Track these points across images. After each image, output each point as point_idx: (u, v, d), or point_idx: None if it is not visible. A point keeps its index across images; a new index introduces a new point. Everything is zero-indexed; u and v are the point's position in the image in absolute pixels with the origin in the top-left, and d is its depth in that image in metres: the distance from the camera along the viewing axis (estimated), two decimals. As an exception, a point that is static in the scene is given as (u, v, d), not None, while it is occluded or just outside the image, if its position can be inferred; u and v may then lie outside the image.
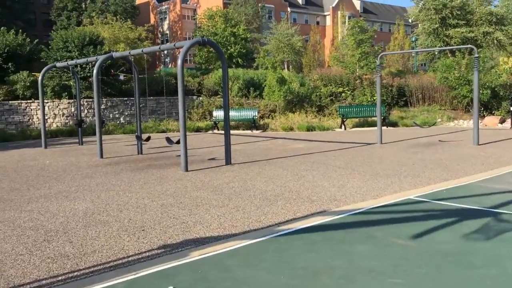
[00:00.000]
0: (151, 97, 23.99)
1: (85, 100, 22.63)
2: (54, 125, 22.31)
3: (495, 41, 31.56)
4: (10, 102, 21.69)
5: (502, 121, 22.71)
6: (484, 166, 10.32)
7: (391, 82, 26.83)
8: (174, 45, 11.85)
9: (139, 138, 13.94)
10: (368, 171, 9.84)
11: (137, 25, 40.52)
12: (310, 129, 21.27)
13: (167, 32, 55.11)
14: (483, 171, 9.65)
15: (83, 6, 48.73)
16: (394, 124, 22.84)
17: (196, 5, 54.66)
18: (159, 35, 55.28)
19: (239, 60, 33.93)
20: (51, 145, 17.39)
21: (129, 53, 13.64)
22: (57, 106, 22.56)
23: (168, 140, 12.26)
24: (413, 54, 36.32)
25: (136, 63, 15.42)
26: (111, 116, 23.49)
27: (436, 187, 8.15)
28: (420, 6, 33.17)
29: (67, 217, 6.71)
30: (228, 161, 11.37)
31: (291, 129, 21.59)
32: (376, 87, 24.06)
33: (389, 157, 12.04)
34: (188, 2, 55.94)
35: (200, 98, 25.23)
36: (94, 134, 14.61)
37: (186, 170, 10.42)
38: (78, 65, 21.21)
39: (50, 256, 5.05)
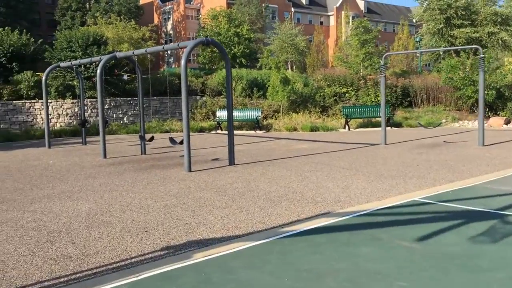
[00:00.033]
0: (155, 97, 23.99)
1: (88, 100, 22.65)
2: (58, 125, 22.34)
3: (500, 41, 31.40)
4: (14, 102, 21.74)
5: (507, 122, 22.58)
6: (489, 167, 10.23)
7: (395, 82, 26.73)
8: (178, 45, 11.82)
9: (142, 138, 13.92)
10: (373, 172, 9.78)
11: (140, 25, 40.58)
12: (313, 129, 21.21)
13: (171, 32, 55.15)
14: (488, 172, 9.56)
15: (87, 6, 48.84)
16: (398, 125, 22.75)
17: (200, 5, 54.68)
18: (163, 35, 55.33)
19: (243, 60, 33.88)
20: (55, 145, 17.41)
21: (133, 53, 13.63)
22: (61, 106, 22.60)
23: (172, 140, 12.24)
24: (417, 55, 36.17)
25: (139, 63, 15.42)
26: (114, 116, 23.50)
27: (441, 188, 8.08)
28: (424, 6, 33.05)
29: (70, 217, 6.69)
30: (231, 161, 11.33)
31: (295, 129, 21.53)
32: (380, 87, 24.06)
33: (394, 158, 11.96)
34: (191, 2, 55.97)
35: (204, 98, 25.21)
36: (98, 134, 14.62)
37: (190, 170, 10.39)
38: (82, 65, 21.21)
39: (52, 257, 5.02)
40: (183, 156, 10.73)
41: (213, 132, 22.37)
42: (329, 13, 63.43)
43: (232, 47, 33.74)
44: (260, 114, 22.34)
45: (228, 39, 33.84)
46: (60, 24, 46.84)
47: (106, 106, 22.89)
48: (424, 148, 13.84)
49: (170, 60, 53.09)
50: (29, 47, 24.46)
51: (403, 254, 4.88)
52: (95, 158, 13.40)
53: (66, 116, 22.67)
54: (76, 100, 22.17)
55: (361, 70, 28.10)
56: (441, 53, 32.30)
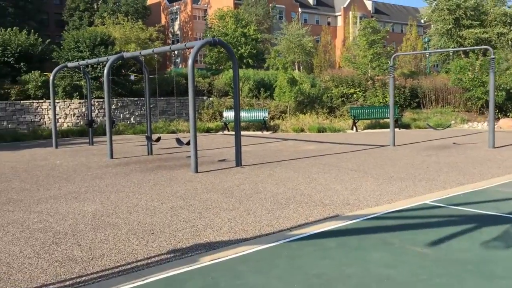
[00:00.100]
0: (162, 98, 23.98)
1: (95, 100, 22.68)
2: (65, 125, 22.40)
3: (509, 42, 31.08)
4: (21, 101, 21.82)
5: (517, 124, 22.28)
6: (501, 170, 10.06)
7: (403, 83, 26.51)
8: (185, 45, 11.76)
9: (149, 138, 13.88)
10: (382, 174, 9.64)
11: (148, 26, 40.65)
12: (321, 130, 21.08)
13: (178, 32, 55.22)
14: (500, 175, 9.40)
15: (95, 6, 49.04)
16: (406, 126, 22.55)
17: (207, 6, 54.70)
18: (170, 36, 55.41)
19: (250, 60, 33.81)
20: (62, 145, 17.43)
21: (140, 53, 13.59)
22: (68, 106, 22.65)
23: (178, 141, 12.18)
24: (427, 55, 35.90)
25: (146, 64, 15.39)
26: (121, 116, 23.51)
27: (452, 191, 7.94)
28: (433, 6, 32.81)
29: (76, 219, 6.63)
30: (238, 162, 11.24)
31: (302, 130, 21.41)
32: (388, 88, 23.87)
33: (403, 159, 11.82)
34: (199, 3, 56.00)
35: (211, 98, 25.16)
36: (105, 134, 14.60)
37: (196, 171, 10.32)
38: (89, 65, 21.25)
39: (58, 260, 4.96)
40: (189, 157, 10.66)
41: (220, 132, 22.31)
42: (337, 14, 63.20)
43: (239, 48, 33.69)
44: (267, 115, 22.25)
45: (235, 40, 33.79)
46: (68, 24, 47.06)
47: (113, 106, 22.91)
48: (433, 150, 13.67)
49: (177, 60, 53.15)
50: (37, 47, 24.54)
51: (415, 259, 4.76)
52: (102, 158, 13.38)
53: (73, 116, 22.72)
54: (83, 100, 22.21)
55: (369, 70, 27.91)
56: (450, 53, 32.02)
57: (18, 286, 4.32)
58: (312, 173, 9.99)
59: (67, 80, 22.76)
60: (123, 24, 36.95)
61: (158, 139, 13.65)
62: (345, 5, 61.77)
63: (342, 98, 25.53)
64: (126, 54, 14.25)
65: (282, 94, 24.03)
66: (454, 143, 15.64)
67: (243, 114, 21.71)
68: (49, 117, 21.79)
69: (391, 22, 63.50)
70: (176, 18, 55.62)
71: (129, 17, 39.89)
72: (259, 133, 21.66)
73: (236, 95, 11.35)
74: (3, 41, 23.24)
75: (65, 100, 22.59)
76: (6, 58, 22.99)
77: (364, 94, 25.98)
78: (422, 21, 39.81)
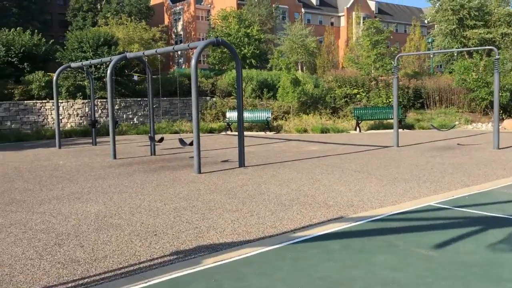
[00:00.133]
0: (165, 98, 23.97)
1: (99, 100, 22.70)
2: (69, 125, 22.42)
3: (514, 42, 30.93)
4: (25, 102, 21.85)
5: (522, 124, 22.16)
6: (506, 171, 9.98)
7: (407, 83, 26.42)
8: (188, 45, 11.74)
9: (152, 139, 13.87)
10: (386, 176, 9.59)
11: (151, 26, 40.64)
12: (324, 131, 21.02)
13: (181, 32, 55.24)
14: (505, 177, 9.32)
15: (99, 7, 49.11)
16: (410, 127, 22.46)
17: (210, 6, 54.70)
18: (173, 36, 55.44)
19: (253, 61, 33.76)
20: (65, 145, 17.44)
21: (143, 53, 13.57)
22: (72, 106, 22.67)
23: (181, 141, 12.17)
24: (431, 55, 35.78)
25: (150, 64, 15.36)
26: (124, 117, 23.52)
27: (457, 193, 7.87)
28: (437, 6, 32.70)
29: (79, 219, 6.61)
30: (241, 163, 11.20)
31: (305, 131, 21.36)
32: (391, 88, 23.78)
33: (407, 160, 11.75)
34: (202, 3, 56.01)
35: (214, 99, 25.14)
36: (108, 134, 14.59)
37: (199, 172, 10.29)
38: (93, 66, 21.25)
39: (60, 261, 4.94)
40: (192, 157, 10.63)
41: (223, 133, 22.28)
42: (340, 14, 63.09)
43: (242, 48, 33.64)
44: (270, 115, 22.20)
45: (238, 40, 33.75)
46: (72, 24, 47.15)
47: (116, 107, 22.92)
48: (438, 151, 13.60)
49: (180, 60, 53.17)
50: (40, 48, 24.58)
51: (420, 262, 4.71)
52: (105, 158, 13.37)
53: (77, 116, 22.74)
54: (86, 101, 22.22)
55: (373, 71, 27.83)
56: (455, 54, 31.90)
57: None
58: (315, 174, 9.95)
59: (71, 80, 22.78)
60: (126, 24, 36.95)
61: (161, 140, 13.63)
62: (348, 6, 61.66)
63: (346, 99, 25.46)
64: (129, 55, 14.24)
65: (285, 94, 23.98)
66: (458, 144, 15.56)
67: (246, 115, 21.66)
68: (52, 117, 21.81)
69: (394, 23, 63.38)
70: (179, 19, 55.65)
71: (132, 18, 39.88)
72: (262, 133, 21.62)
73: (240, 96, 11.31)
74: (7, 41, 23.29)
75: (69, 100, 22.61)
76: (9, 58, 23.03)
77: (367, 95, 25.91)
78: (426, 21, 39.67)
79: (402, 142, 15.50)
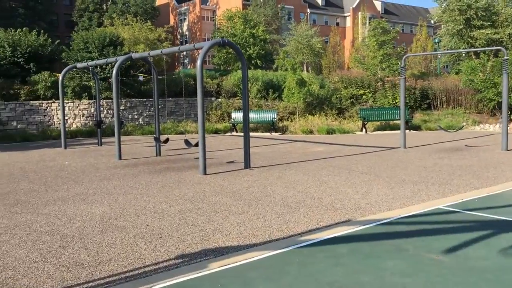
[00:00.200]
0: (170, 98, 23.95)
1: (104, 100, 22.70)
2: (74, 126, 22.44)
3: (521, 42, 30.62)
4: (31, 102, 21.89)
5: (530, 126, 21.91)
6: (515, 173, 9.84)
7: (413, 84, 26.22)
8: (194, 46, 11.68)
9: (157, 139, 13.82)
10: (393, 178, 9.47)
11: (156, 26, 40.70)
12: (330, 132, 20.90)
13: (187, 33, 55.27)
14: (515, 179, 9.18)
15: (104, 7, 49.23)
16: (417, 128, 22.29)
17: (215, 6, 54.69)
18: (179, 36, 55.47)
19: (258, 61, 33.69)
20: (71, 145, 17.44)
21: (149, 54, 13.53)
22: (77, 107, 22.69)
23: (187, 142, 12.11)
24: (439, 56, 35.54)
25: (155, 64, 15.34)
26: (130, 117, 23.51)
27: (466, 196, 7.75)
28: (443, 6, 32.45)
29: (83, 221, 6.56)
30: (247, 164, 11.12)
31: (311, 131, 21.25)
32: (398, 89, 23.60)
33: (414, 162, 11.62)
34: (207, 4, 56.02)
35: (219, 99, 25.08)
36: (113, 135, 14.55)
37: (205, 173, 10.22)
38: (98, 66, 21.28)
39: (64, 264, 4.88)
40: (198, 158, 10.56)
41: (228, 134, 22.22)
42: (346, 14, 62.88)
43: (248, 48, 33.58)
44: (275, 116, 22.11)
45: (243, 40, 33.69)
46: (78, 25, 47.30)
47: (122, 107, 22.92)
48: (445, 152, 13.45)
49: (185, 61, 53.20)
50: (46, 48, 24.63)
51: (431, 267, 4.60)
52: (110, 159, 13.33)
53: (82, 116, 22.76)
54: (92, 101, 22.23)
55: (379, 71, 27.66)
56: (463, 54, 31.65)
57: (24, 291, 4.24)
58: (322, 175, 9.85)
59: (76, 80, 22.80)
60: (132, 24, 37.01)
61: (167, 140, 13.58)
62: (354, 6, 61.43)
63: (352, 99, 25.31)
64: (134, 55, 14.20)
65: (291, 95, 23.86)
66: (466, 145, 15.40)
67: (251, 115, 21.58)
68: (58, 118, 21.84)
69: (400, 23, 63.07)
70: (185, 19, 55.68)
71: (138, 18, 39.93)
72: (267, 134, 21.53)
73: (245, 96, 11.23)
74: (13, 42, 23.35)
75: (74, 100, 22.64)
76: (16, 59, 23.09)
77: (373, 95, 25.74)
78: (432, 21, 39.41)
79: (409, 143, 15.36)
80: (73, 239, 5.75)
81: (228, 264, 4.77)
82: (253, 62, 33.34)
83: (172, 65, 47.73)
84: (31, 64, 23.24)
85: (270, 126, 22.03)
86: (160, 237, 5.74)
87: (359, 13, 56.07)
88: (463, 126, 20.41)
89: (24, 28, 25.28)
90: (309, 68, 41.20)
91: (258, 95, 24.89)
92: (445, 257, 4.89)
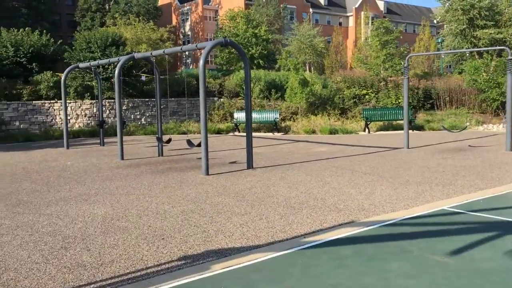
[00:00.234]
0: (172, 98, 23.93)
1: (107, 100, 22.70)
2: (77, 126, 22.44)
3: (525, 42, 30.48)
4: (33, 102, 21.90)
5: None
6: (520, 174, 9.77)
7: (417, 84, 26.12)
8: (196, 46, 11.64)
9: (159, 139, 13.79)
10: (397, 178, 9.41)
11: (159, 26, 40.65)
12: (332, 132, 20.84)
13: (189, 33, 55.26)
14: (519, 180, 9.11)
15: (107, 7, 49.26)
16: (420, 128, 22.21)
17: (218, 6, 54.66)
18: (181, 36, 55.47)
19: (261, 61, 33.63)
20: (73, 145, 17.43)
21: (151, 54, 13.51)
22: (80, 107, 22.69)
23: (189, 143, 12.08)
24: (442, 56, 35.40)
25: (157, 64, 15.30)
26: (132, 117, 23.50)
27: (471, 196, 7.69)
28: (446, 6, 32.33)
29: (86, 222, 6.53)
30: (249, 165, 11.08)
31: (313, 131, 21.19)
32: (401, 89, 23.51)
33: (418, 162, 11.56)
34: (210, 3, 56.00)
35: (221, 99, 25.05)
36: (116, 135, 14.53)
37: (207, 173, 10.18)
38: (101, 66, 21.25)
39: (66, 266, 4.84)
40: (200, 158, 10.53)
41: (231, 134, 22.18)
42: (348, 14, 62.76)
43: (250, 48, 33.52)
44: (278, 116, 22.07)
45: (246, 40, 33.63)
46: (80, 25, 47.33)
47: (124, 107, 22.91)
48: (449, 153, 13.38)
49: (187, 61, 53.19)
50: (49, 48, 24.64)
51: (435, 269, 4.56)
52: (112, 159, 13.31)
53: (85, 116, 22.76)
54: (94, 101, 22.23)
55: (382, 71, 27.57)
56: (467, 54, 31.51)
57: (25, 293, 4.21)
58: (324, 176, 9.80)
59: (79, 80, 22.81)
60: (134, 24, 36.99)
61: (169, 141, 13.55)
62: (356, 5, 61.31)
63: (354, 99, 25.23)
64: (137, 55, 14.18)
65: (294, 95, 23.81)
66: (469, 145, 15.32)
67: (254, 115, 21.54)
68: (60, 118, 21.84)
69: (403, 23, 62.90)
70: (187, 19, 55.68)
71: (140, 18, 39.91)
72: (270, 134, 21.49)
73: (248, 96, 11.19)
74: (16, 42, 23.37)
75: (77, 100, 22.64)
76: (18, 59, 23.11)
77: (376, 95, 25.66)
78: (435, 21, 39.30)
79: (412, 144, 15.29)
80: (75, 240, 5.72)
81: (231, 266, 4.73)
82: (255, 62, 33.29)
83: (174, 65, 47.72)
84: (34, 64, 23.25)
85: (273, 126, 21.98)
86: (163, 238, 5.70)
87: (362, 12, 55.98)
88: (466, 127, 20.30)
89: (26, 28, 25.29)
90: (312, 68, 41.13)
91: (260, 95, 24.84)
92: (450, 259, 4.84)
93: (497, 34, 30.51)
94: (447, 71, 39.89)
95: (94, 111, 22.59)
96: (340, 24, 60.91)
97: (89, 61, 19.39)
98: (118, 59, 14.29)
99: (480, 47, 29.33)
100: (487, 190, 8.16)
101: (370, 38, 31.33)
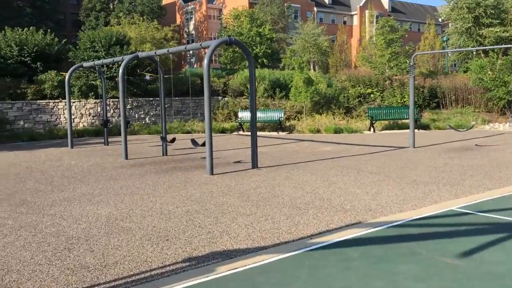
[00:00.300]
0: (177, 98, 23.87)
1: (111, 100, 22.67)
2: (81, 125, 22.43)
3: (531, 40, 30.24)
4: (38, 101, 21.91)
5: (541, 125, 21.61)
6: (528, 174, 9.63)
7: (422, 83, 25.95)
8: (201, 45, 11.57)
9: (164, 139, 13.74)
10: (403, 178, 9.30)
11: (163, 25, 40.64)
12: (337, 131, 20.72)
13: (193, 32, 55.22)
14: (528, 180, 8.98)
15: (111, 6, 49.29)
16: (425, 127, 22.04)
17: (222, 5, 54.59)
18: (185, 35, 55.44)
19: (265, 60, 33.54)
20: (77, 145, 17.41)
21: (155, 53, 13.45)
22: (84, 106, 22.68)
23: (194, 142, 12.01)
24: (449, 54, 35.18)
25: (161, 63, 15.24)
26: (136, 116, 23.47)
27: (479, 197, 7.57)
28: (452, 4, 32.13)
29: (89, 222, 6.47)
30: (254, 164, 11.00)
31: (318, 131, 21.08)
32: (406, 88, 23.36)
33: (424, 162, 11.43)
34: (214, 2, 55.93)
35: (226, 98, 24.97)
36: (120, 134, 14.49)
37: (212, 173, 10.11)
38: (105, 65, 21.22)
39: (69, 267, 4.78)
40: (204, 158, 10.45)
41: (235, 133, 22.10)
42: (353, 13, 62.53)
43: (254, 47, 33.44)
44: (282, 115, 21.97)
45: (250, 39, 33.56)
46: (84, 24, 47.40)
47: (128, 106, 22.88)
48: (455, 152, 13.24)
49: (192, 60, 53.16)
50: (53, 47, 24.65)
51: (445, 271, 4.46)
52: (116, 159, 13.27)
53: (89, 116, 22.75)
54: (98, 100, 22.21)
55: (387, 70, 27.41)
56: (474, 52, 31.31)
57: (28, 295, 4.15)
58: (330, 176, 9.70)
59: (83, 80, 22.79)
60: (138, 24, 36.99)
61: (173, 140, 13.48)
62: (361, 4, 61.06)
63: (359, 98, 25.09)
64: (141, 54, 14.12)
65: (298, 94, 23.69)
66: (476, 144, 15.17)
67: (258, 115, 21.44)
68: (65, 117, 21.84)
69: (408, 21, 62.56)
70: (191, 18, 55.64)
71: (144, 17, 39.91)
72: (274, 133, 21.39)
73: (252, 95, 11.11)
74: (20, 41, 23.39)
75: (81, 100, 22.63)
76: (23, 58, 23.13)
77: (381, 94, 25.51)
78: (440, 19, 39.08)
79: (418, 143, 15.16)
80: (78, 241, 5.66)
81: (237, 268, 4.65)
82: (259, 61, 33.20)
83: (178, 64, 47.69)
84: (38, 64, 23.26)
85: (277, 126, 21.89)
86: (167, 239, 5.63)
87: (366, 11, 55.69)
88: (473, 126, 20.13)
89: (31, 28, 25.31)
90: (316, 67, 40.98)
91: (265, 94, 24.75)
92: (460, 261, 4.74)
93: (503, 32, 30.30)
94: (453, 69, 39.66)
95: (98, 110, 22.57)
96: (344, 22, 60.73)
97: (93, 61, 19.37)
98: (122, 58, 14.23)
99: (485, 46, 29.11)
100: (495, 190, 8.04)
101: (375, 37, 31.19)
